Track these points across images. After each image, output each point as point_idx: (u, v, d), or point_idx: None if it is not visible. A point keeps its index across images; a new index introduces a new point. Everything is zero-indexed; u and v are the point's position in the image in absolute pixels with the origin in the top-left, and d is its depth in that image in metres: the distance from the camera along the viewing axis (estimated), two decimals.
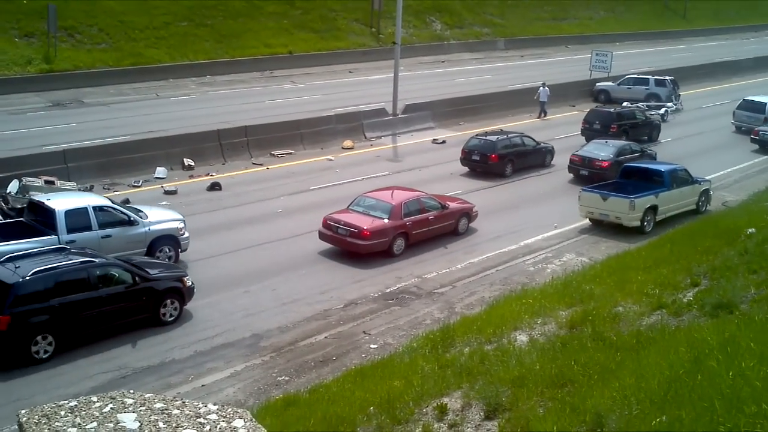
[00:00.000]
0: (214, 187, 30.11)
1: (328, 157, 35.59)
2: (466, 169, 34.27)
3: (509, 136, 35.25)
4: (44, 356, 17.51)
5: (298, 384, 16.24)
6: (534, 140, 35.69)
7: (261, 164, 33.81)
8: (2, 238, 19.98)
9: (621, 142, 34.82)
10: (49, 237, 20.49)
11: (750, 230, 21.31)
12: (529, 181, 33.86)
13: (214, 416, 3.59)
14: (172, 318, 19.66)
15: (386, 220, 24.34)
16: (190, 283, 20.18)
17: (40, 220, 21.32)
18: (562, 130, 41.63)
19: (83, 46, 49.23)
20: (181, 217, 23.75)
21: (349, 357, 17.72)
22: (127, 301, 18.83)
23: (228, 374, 17.31)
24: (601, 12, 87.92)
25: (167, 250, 22.63)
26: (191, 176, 31.34)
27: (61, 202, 21.74)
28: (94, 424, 3.57)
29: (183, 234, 23.09)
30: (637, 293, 16.98)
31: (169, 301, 19.57)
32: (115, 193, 28.58)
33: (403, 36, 49.10)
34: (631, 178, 28.81)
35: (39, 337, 17.40)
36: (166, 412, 3.63)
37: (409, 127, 41.22)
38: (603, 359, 12.62)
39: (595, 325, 14.76)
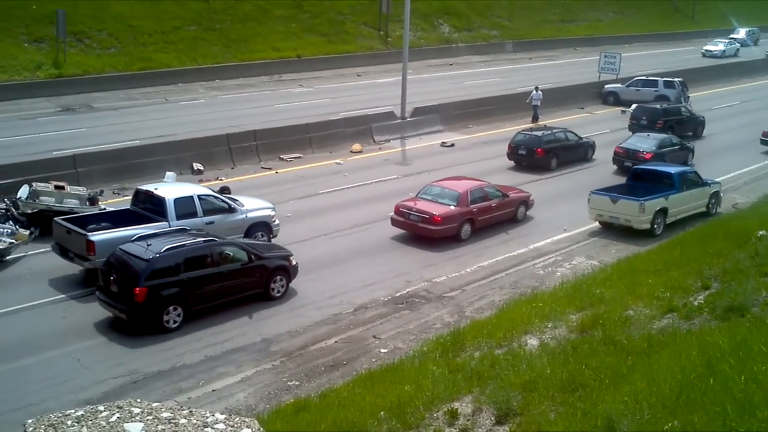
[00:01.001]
0: (224, 191, 30.04)
1: (337, 160, 35.58)
2: (511, 163, 35.95)
3: (553, 131, 36.95)
4: (173, 326, 19.23)
5: (308, 389, 16.21)
6: (576, 135, 37.39)
7: (270, 168, 33.83)
8: (115, 225, 21.82)
9: (662, 135, 36.68)
10: (159, 223, 22.01)
11: (761, 232, 21.23)
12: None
13: (221, 425, 3.57)
14: (279, 294, 21.38)
15: (455, 207, 25.91)
16: (295, 263, 21.76)
17: (150, 208, 22.90)
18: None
19: (92, 51, 49.42)
20: (271, 205, 25.31)
21: (360, 361, 17.69)
22: (243, 277, 20.61)
23: (239, 379, 17.29)
24: (610, 14, 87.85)
25: (260, 236, 24.09)
26: (200, 180, 31.33)
27: (170, 190, 23.49)
28: None
29: (274, 221, 24.73)
30: (648, 296, 16.92)
31: (278, 278, 21.31)
32: (125, 198, 28.59)
33: (411, 39, 49.12)
34: (640, 181, 28.69)
35: (170, 308, 19.14)
36: (173, 421, 3.61)
37: (417, 131, 41.19)
38: (614, 363, 12.58)
39: (606, 328, 14.72)
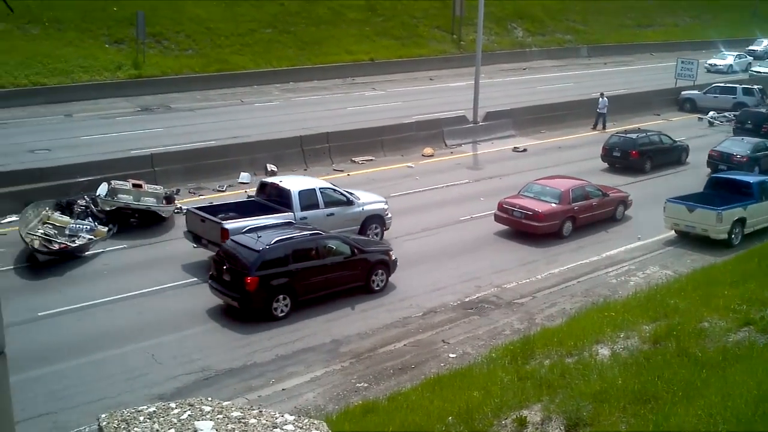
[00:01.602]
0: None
1: (409, 164, 35.61)
2: (605, 165, 36.37)
3: (648, 134, 37.52)
4: (281, 315, 20.12)
5: (376, 391, 16.26)
6: (671, 138, 37.74)
7: (342, 170, 34.03)
8: (243, 215, 23.09)
9: (756, 140, 36.71)
10: (285, 214, 23.34)
11: None
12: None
13: (290, 427, 3.59)
14: (379, 287, 22.09)
15: (557, 205, 26.71)
16: (395, 258, 22.46)
17: (275, 199, 24.26)
18: None
19: (171, 53, 50.39)
20: (384, 199, 26.39)
21: (428, 365, 17.67)
22: (345, 270, 21.44)
23: (308, 379, 17.44)
24: (687, 19, 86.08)
25: (374, 228, 25.24)
26: None
27: (294, 183, 24.91)
28: (172, 431, 3.60)
29: (387, 215, 25.65)
30: (724, 308, 16.51)
31: (379, 272, 22.05)
32: (201, 197, 29.12)
33: (484, 43, 48.86)
34: (718, 189, 28.04)
35: (279, 297, 20.06)
36: (242, 421, 3.65)
37: (489, 135, 40.98)
38: (687, 376, 12.33)
39: (680, 340, 14.42)
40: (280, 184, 24.64)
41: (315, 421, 3.66)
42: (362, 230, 24.89)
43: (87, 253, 23.56)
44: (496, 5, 65.31)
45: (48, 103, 41.57)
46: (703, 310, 16.62)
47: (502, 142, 40.36)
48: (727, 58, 67.38)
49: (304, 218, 23.44)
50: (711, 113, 47.09)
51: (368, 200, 25.74)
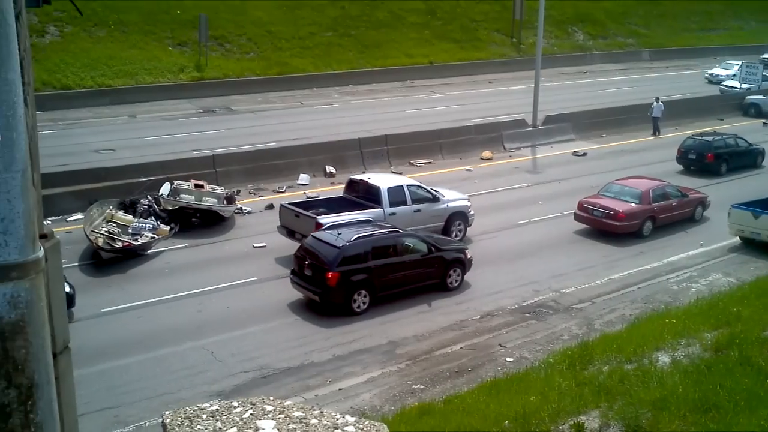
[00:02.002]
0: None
1: (467, 167, 35.51)
2: (679, 167, 36.31)
3: (723, 136, 37.23)
4: (359, 310, 20.60)
5: (433, 393, 16.26)
6: (746, 141, 37.48)
7: (400, 173, 34.00)
8: (333, 211, 23.93)
9: None
10: (375, 210, 24.18)
11: None
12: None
13: (351, 428, 3.61)
14: (454, 285, 22.38)
15: (637, 204, 27.14)
16: (470, 256, 22.70)
17: (364, 196, 25.09)
18: None
19: (232, 55, 51.02)
20: (467, 197, 27.00)
21: (485, 369, 17.62)
22: (422, 267, 21.82)
23: (365, 379, 17.52)
24: (752, 22, 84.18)
25: (458, 224, 25.79)
26: (332, 183, 31.89)
27: (383, 180, 25.86)
28: (234, 429, 3.64)
29: (470, 212, 26.15)
30: None
31: (455, 270, 22.33)
32: (261, 198, 29.45)
33: (544, 46, 48.51)
34: None
35: (359, 293, 20.59)
36: (304, 421, 3.68)
37: (549, 139, 40.64)
38: (750, 385, 12.12)
39: (743, 349, 14.17)
40: (369, 181, 25.52)
41: (376, 423, 3.68)
42: (446, 227, 25.50)
43: (149, 251, 23.98)
44: (556, 8, 64.75)
45: (113, 104, 42.46)
46: (767, 318, 16.30)
47: (562, 146, 39.98)
48: (731, 69, 61.57)
49: (393, 214, 24.25)
50: None
51: (452, 197, 26.36)
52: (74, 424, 3.97)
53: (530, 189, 32.24)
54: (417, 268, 21.70)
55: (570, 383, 13.56)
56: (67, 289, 19.08)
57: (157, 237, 24.49)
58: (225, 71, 48.93)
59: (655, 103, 43.13)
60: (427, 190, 25.86)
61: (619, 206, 26.85)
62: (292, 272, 21.43)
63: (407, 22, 60.91)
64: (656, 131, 42.82)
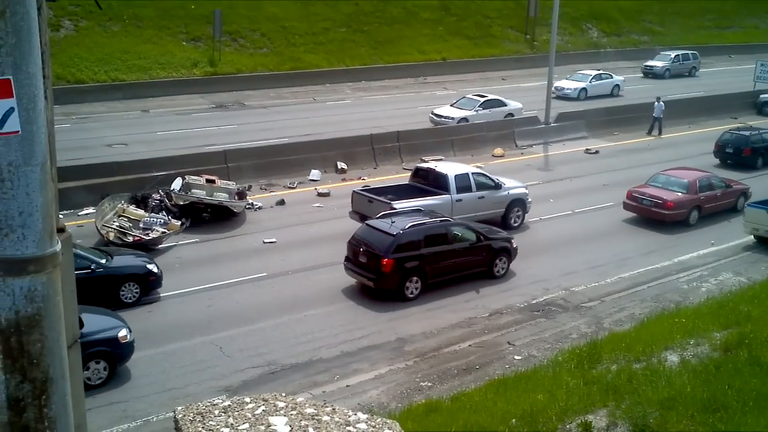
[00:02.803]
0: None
1: (479, 164, 35.39)
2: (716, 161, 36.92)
3: (760, 131, 37.91)
4: (411, 295, 21.35)
5: (440, 390, 16.29)
6: None
7: (411, 170, 34.01)
8: (402, 197, 25.05)
9: None
10: (443, 196, 25.57)
11: None
12: None
13: (363, 425, 3.64)
14: (501, 273, 23.09)
15: (684, 194, 28.28)
16: (515, 245, 23.38)
17: (431, 183, 26.36)
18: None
19: (246, 51, 51.12)
20: (526, 185, 28.25)
21: (493, 367, 17.64)
22: (471, 255, 22.48)
23: (372, 376, 17.55)
24: None
25: (516, 211, 27.09)
26: (344, 179, 31.96)
27: (449, 168, 27.24)
28: (246, 425, 3.67)
29: (528, 200, 27.42)
30: None
31: (501, 258, 23.05)
32: (272, 193, 29.53)
33: (558, 43, 48.42)
34: None
35: (411, 279, 21.30)
36: (316, 417, 3.71)
37: (561, 136, 40.58)
38: (759, 385, 12.11)
39: (752, 349, 14.16)
40: (437, 169, 26.89)
41: (388, 421, 3.72)
42: (506, 213, 26.83)
43: (160, 246, 24.08)
44: (570, 6, 64.59)
45: (126, 99, 42.67)
46: None
47: (574, 144, 39.92)
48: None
49: (459, 200, 25.64)
50: None
51: (513, 185, 27.57)
52: (83, 418, 4.01)
53: (542, 186, 32.17)
54: (466, 256, 22.38)
55: (578, 382, 13.57)
56: (155, 269, 20.39)
57: (168, 232, 24.60)
58: (238, 66, 49.04)
59: (656, 102, 42.77)
60: (490, 178, 27.04)
61: (668, 195, 28.02)
62: (346, 259, 22.04)
63: (420, 18, 60.87)
64: (659, 131, 42.43)
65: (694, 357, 14.48)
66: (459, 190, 25.86)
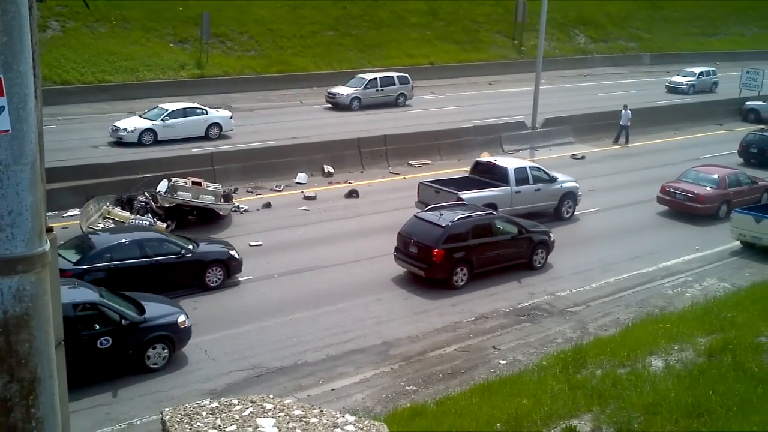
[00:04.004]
0: (352, 194, 30.63)
1: (465, 168, 35.47)
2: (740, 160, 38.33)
3: None
4: (460, 284, 22.43)
5: (425, 395, 16.29)
6: None
7: (398, 173, 34.13)
8: (464, 189, 26.41)
9: None
10: (504, 187, 27.26)
11: None
12: None
13: (351, 427, 3.64)
14: (540, 265, 24.13)
15: (714, 189, 29.84)
16: (553, 239, 24.39)
17: (490, 176, 27.87)
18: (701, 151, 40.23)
19: (233, 53, 51.06)
20: (576, 179, 29.76)
21: (478, 371, 17.65)
22: (513, 248, 23.54)
23: (357, 380, 17.53)
24: (754, 28, 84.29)
25: (567, 203, 28.80)
26: (330, 183, 31.97)
27: (508, 162, 29.05)
28: (234, 427, 3.65)
29: (579, 193, 29.09)
30: None
31: (540, 251, 24.09)
32: (258, 196, 29.49)
33: (545, 49, 48.54)
34: None
35: (459, 268, 22.36)
36: (304, 419, 3.70)
37: (547, 141, 40.73)
38: (743, 391, 12.18)
39: (736, 354, 14.24)
40: (497, 163, 28.51)
41: (376, 423, 3.71)
42: (559, 205, 28.55)
43: None
44: (558, 11, 64.87)
45: (112, 100, 42.53)
46: (761, 324, 16.38)
47: (561, 149, 40.06)
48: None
49: (518, 192, 27.31)
50: None
51: (565, 179, 29.18)
52: (66, 420, 3.99)
53: None
54: (508, 248, 23.39)
55: (563, 386, 13.60)
56: (237, 255, 21.60)
57: None
58: (225, 69, 48.98)
59: (623, 111, 42.31)
60: (546, 172, 28.66)
61: (699, 190, 29.56)
62: (396, 249, 23.01)
63: (409, 22, 60.98)
64: (625, 139, 42.03)
65: (678, 362, 14.54)
66: (518, 182, 27.45)
